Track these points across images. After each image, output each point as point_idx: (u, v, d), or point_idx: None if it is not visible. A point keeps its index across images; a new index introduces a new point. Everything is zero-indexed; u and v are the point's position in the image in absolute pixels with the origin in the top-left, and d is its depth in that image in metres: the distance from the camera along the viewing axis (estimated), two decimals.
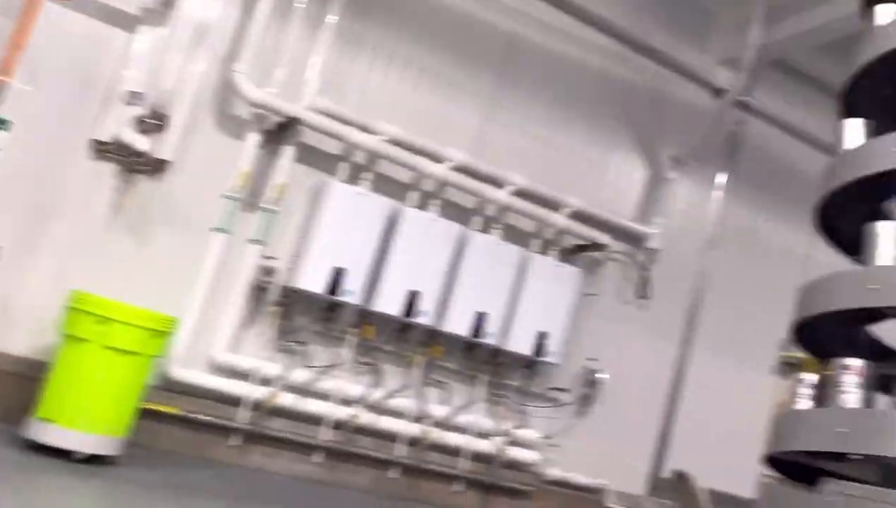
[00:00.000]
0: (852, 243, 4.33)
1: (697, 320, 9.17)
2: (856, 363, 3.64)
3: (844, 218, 4.27)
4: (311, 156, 7.27)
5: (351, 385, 7.26)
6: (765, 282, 9.58)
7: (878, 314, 3.84)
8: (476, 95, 8.08)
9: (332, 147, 7.31)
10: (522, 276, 7.78)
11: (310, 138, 7.20)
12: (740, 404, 9.35)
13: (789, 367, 9.73)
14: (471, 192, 7.68)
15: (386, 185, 7.49)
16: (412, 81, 7.79)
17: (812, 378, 4.09)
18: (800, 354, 8.76)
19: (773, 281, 9.63)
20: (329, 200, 6.98)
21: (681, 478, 7.68)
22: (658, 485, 8.79)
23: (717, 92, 9.05)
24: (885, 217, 4.29)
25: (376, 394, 7.34)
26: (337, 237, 6.98)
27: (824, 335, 4.22)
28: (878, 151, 3.73)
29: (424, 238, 7.30)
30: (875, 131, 4.02)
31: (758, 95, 9.42)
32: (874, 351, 4.19)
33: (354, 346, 7.32)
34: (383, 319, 7.30)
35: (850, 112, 4.21)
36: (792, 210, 9.77)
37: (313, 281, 6.90)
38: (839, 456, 3.86)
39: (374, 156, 7.32)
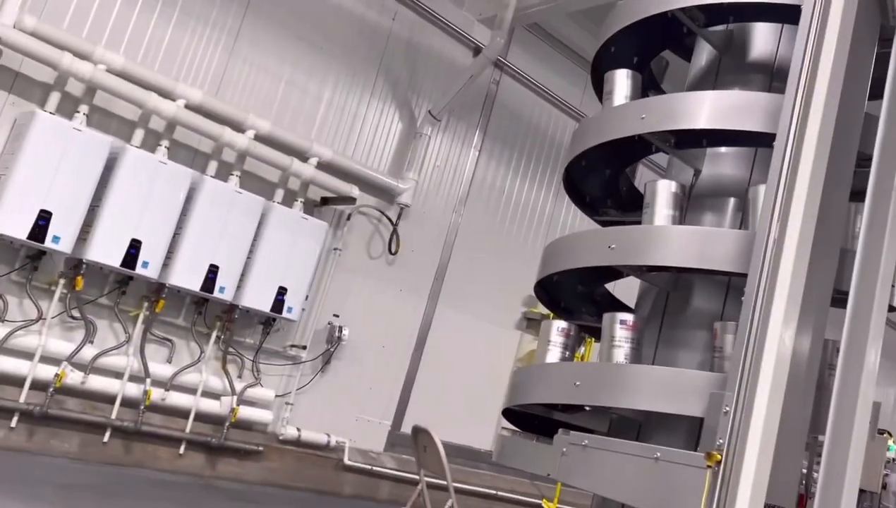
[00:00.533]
0: (596, 204, 4.43)
1: (445, 276, 9.22)
2: (628, 317, 3.65)
3: (589, 180, 4.33)
4: (16, 82, 6.35)
5: (56, 341, 6.52)
6: (512, 239, 9.85)
7: (616, 272, 3.93)
8: (220, 30, 7.43)
9: (42, 74, 6.42)
10: (262, 228, 7.34)
11: (12, 61, 6.27)
12: (486, 358, 9.61)
13: (532, 323, 10.14)
14: (207, 135, 7.08)
15: (106, 121, 6.72)
16: (146, 7, 7.01)
17: (558, 332, 4.07)
18: (543, 310, 9.12)
19: (520, 238, 9.94)
20: (31, 134, 6.10)
21: (419, 433, 7.73)
22: (398, 441, 8.82)
23: (476, 50, 9.01)
24: (627, 180, 4.39)
25: (88, 352, 6.64)
26: (44, 176, 6.14)
27: (565, 292, 4.29)
28: (620, 118, 3.77)
29: (150, 181, 6.62)
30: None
31: (514, 56, 9.51)
32: (611, 307, 4.33)
33: (63, 299, 6.57)
34: (98, 270, 6.60)
35: (600, 79, 4.22)
36: (540, 170, 10.08)
37: (13, 224, 6.05)
38: (574, 408, 3.93)
39: (93, 86, 6.51)
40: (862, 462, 3.24)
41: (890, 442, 4.88)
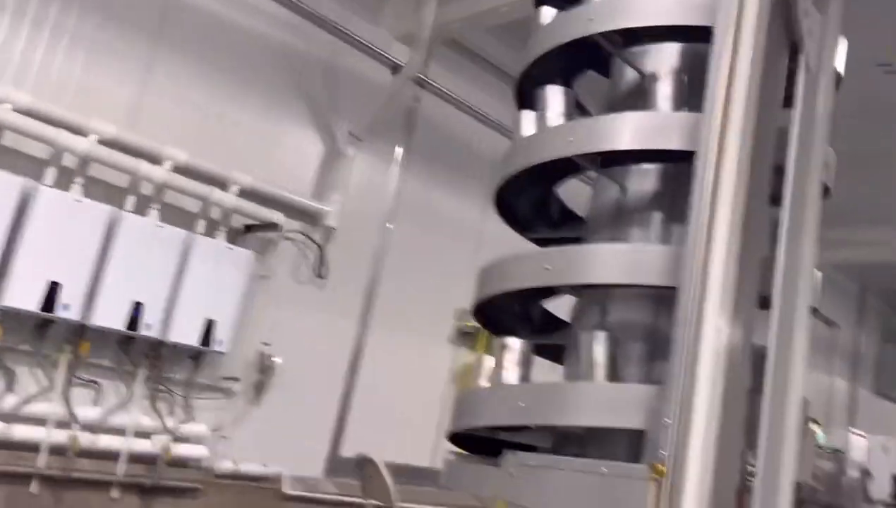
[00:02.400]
0: (527, 222, 4.49)
1: (375, 296, 9.19)
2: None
3: (520, 199, 4.39)
4: None
5: None
6: (441, 256, 9.88)
7: (551, 291, 3.99)
8: (133, 61, 7.25)
9: None
10: (186, 261, 7.18)
11: None
12: (422, 374, 9.62)
13: (466, 336, 10.20)
14: (123, 169, 6.90)
15: (15, 161, 6.47)
16: (52, 43, 6.78)
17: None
18: (476, 324, 9.19)
19: (449, 254, 9.97)
20: None
21: (364, 462, 7.68)
22: (337, 466, 8.74)
23: (395, 68, 9.02)
24: (557, 199, 4.48)
25: (9, 401, 6.37)
26: None
27: (503, 312, 4.33)
28: (548, 140, 3.84)
29: (65, 221, 6.41)
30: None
31: (434, 73, 9.56)
32: (549, 325, 4.39)
33: None
34: (15, 315, 6.34)
35: (525, 100, 4.29)
36: (466, 185, 10.15)
37: None
38: (518, 428, 3.97)
39: None
40: (795, 457, 3.38)
41: (818, 432, 5.10)
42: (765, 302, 3.52)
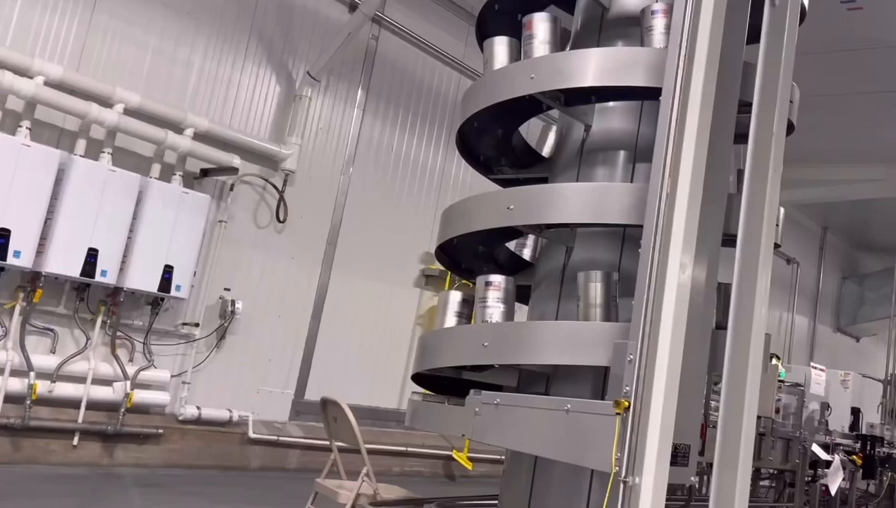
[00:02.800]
0: (490, 163, 4.44)
1: (337, 240, 9.10)
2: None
3: (482, 139, 4.33)
4: None
5: None
6: (405, 198, 9.81)
7: (515, 232, 3.96)
8: (75, 1, 6.93)
9: None
10: (141, 206, 7.01)
11: None
12: (387, 318, 9.62)
13: (431, 280, 10.19)
14: (71, 112, 6.65)
15: None
16: None
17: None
18: (440, 267, 9.18)
19: (412, 195, 9.90)
20: None
21: (328, 404, 7.71)
22: (302, 409, 8.75)
23: (352, 5, 8.80)
24: (521, 138, 4.42)
25: None
26: None
27: (467, 253, 4.31)
28: (510, 78, 3.76)
29: (14, 166, 6.20)
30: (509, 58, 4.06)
31: (392, 10, 9.35)
32: (512, 266, 4.38)
33: None
34: None
35: (485, 37, 4.19)
36: (426, 125, 10.03)
37: None
38: (483, 367, 3.99)
39: None
40: (758, 392, 3.44)
41: (780, 368, 5.21)
42: (730, 240, 3.54)
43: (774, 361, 5.42)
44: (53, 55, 6.79)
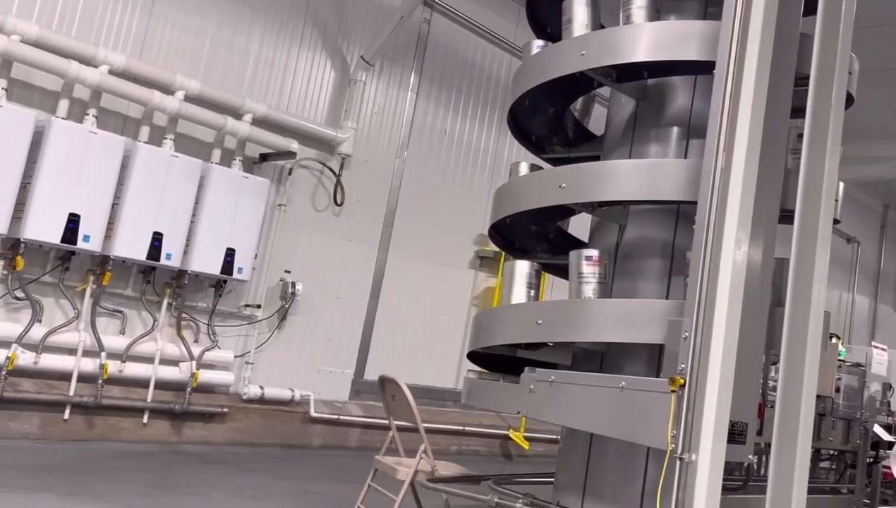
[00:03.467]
0: (542, 142, 4.44)
1: (393, 222, 9.20)
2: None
3: (534, 118, 4.34)
4: None
5: (4, 324, 6.35)
6: (458, 179, 9.85)
7: (567, 210, 3.97)
8: None
9: None
10: (203, 190, 7.19)
11: None
12: (442, 299, 9.70)
13: (485, 261, 10.22)
14: (134, 99, 6.85)
15: (27, 94, 6.45)
16: None
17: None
18: (496, 247, 9.21)
19: (465, 177, 9.94)
20: None
21: (386, 382, 7.83)
22: (362, 388, 8.90)
23: None
24: (572, 117, 4.41)
25: (37, 332, 6.49)
26: None
27: (520, 233, 4.33)
28: (561, 56, 3.76)
29: (82, 153, 6.39)
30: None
31: None
32: (565, 244, 4.39)
33: (5, 280, 6.39)
34: (37, 248, 6.42)
35: (536, 19, 4.20)
36: (479, 107, 10.04)
37: None
38: (537, 345, 4.01)
39: (8, 59, 6.21)
40: (817, 370, 3.39)
41: (840, 347, 5.10)
42: (787, 216, 3.48)
43: (834, 340, 5.30)
44: (117, 44, 6.99)
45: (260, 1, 7.96)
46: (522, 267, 4.01)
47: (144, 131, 6.96)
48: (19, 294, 6.47)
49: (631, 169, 3.53)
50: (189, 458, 6.90)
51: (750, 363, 3.22)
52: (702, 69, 3.48)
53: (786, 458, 3.25)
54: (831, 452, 5.67)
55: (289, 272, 8.22)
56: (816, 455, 5.49)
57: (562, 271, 4.67)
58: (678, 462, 3.04)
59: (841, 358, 5.10)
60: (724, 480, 3.19)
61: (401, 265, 9.26)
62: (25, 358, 6.38)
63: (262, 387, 7.93)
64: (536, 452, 9.66)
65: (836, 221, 3.45)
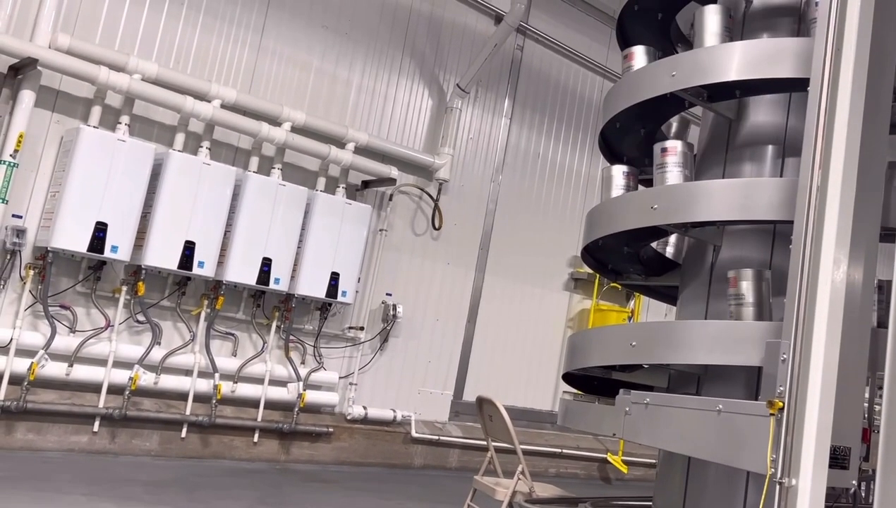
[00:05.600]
0: (633, 163, 4.46)
1: (490, 246, 9.31)
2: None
3: (625, 139, 4.37)
4: (57, 101, 6.56)
5: (127, 346, 6.78)
6: (552, 203, 9.89)
7: (660, 231, 3.97)
8: (246, 28, 7.53)
9: (82, 89, 6.61)
10: (309, 217, 7.49)
11: (52, 80, 6.46)
12: (538, 321, 9.72)
13: (580, 283, 10.18)
14: (245, 131, 7.23)
15: (147, 128, 6.92)
16: (172, 13, 7.13)
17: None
18: (588, 270, 9.15)
19: (559, 200, 9.97)
20: (81, 148, 6.30)
21: (483, 403, 7.91)
22: (461, 409, 8.99)
23: (497, 17, 8.98)
24: (664, 138, 4.41)
25: (156, 353, 6.89)
26: (96, 188, 6.34)
27: (612, 254, 4.35)
28: (651, 77, 3.79)
29: (197, 183, 6.80)
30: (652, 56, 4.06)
31: (535, 19, 9.48)
32: (658, 266, 4.38)
33: (128, 305, 6.82)
34: (156, 274, 6.83)
35: (626, 38, 4.24)
36: (571, 130, 10.07)
37: (72, 238, 6.28)
38: (633, 367, 4.02)
39: (131, 96, 6.68)
40: None
41: None
42: (888, 235, 3.38)
43: None
44: (228, 79, 7.40)
45: (361, 33, 8.26)
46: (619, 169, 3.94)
47: (254, 161, 7.32)
48: (140, 317, 6.89)
49: (724, 188, 3.50)
50: (297, 476, 7.15)
51: (852, 385, 3.13)
52: (796, 86, 3.43)
53: (891, 484, 3.13)
54: None
55: (390, 295, 8.43)
56: None
57: (656, 293, 4.66)
58: (777, 487, 2.99)
59: None
60: (829, 506, 3.10)
61: (497, 287, 9.34)
62: (146, 379, 6.79)
63: (365, 408, 8.14)
64: (635, 476, 9.50)
65: None
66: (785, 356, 3.07)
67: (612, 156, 4.36)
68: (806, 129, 3.13)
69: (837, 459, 3.12)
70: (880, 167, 3.23)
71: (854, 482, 3.18)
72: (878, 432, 3.37)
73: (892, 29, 3.29)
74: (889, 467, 3.16)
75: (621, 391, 3.76)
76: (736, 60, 3.48)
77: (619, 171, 4.13)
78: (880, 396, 3.74)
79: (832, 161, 3.07)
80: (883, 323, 3.33)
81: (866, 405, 3.72)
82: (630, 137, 4.24)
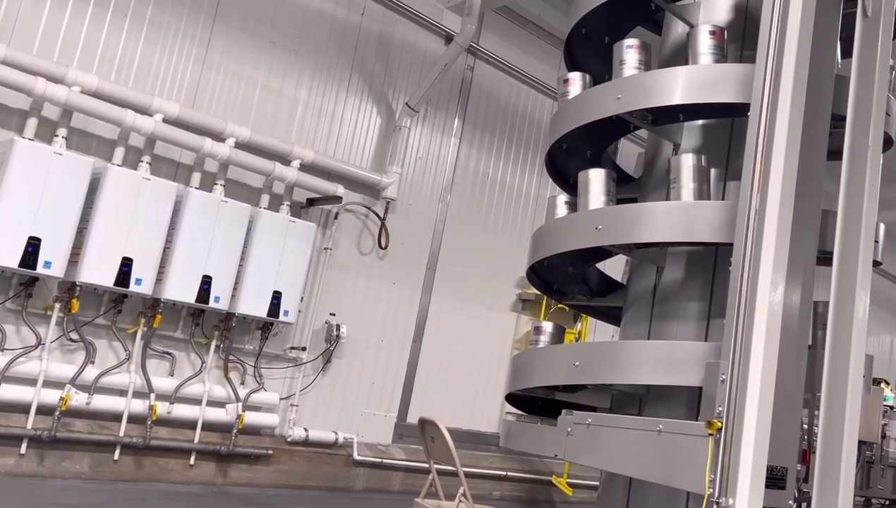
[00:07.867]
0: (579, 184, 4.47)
1: (437, 266, 9.27)
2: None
3: (571, 161, 4.39)
4: None
5: (59, 365, 6.55)
6: (500, 223, 9.93)
7: (605, 252, 3.99)
8: (191, 41, 7.41)
9: (17, 101, 6.41)
10: (252, 235, 7.36)
11: None
12: (485, 342, 9.70)
13: (527, 304, 10.22)
14: (187, 147, 7.09)
15: (86, 142, 6.74)
16: (115, 25, 6.99)
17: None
18: (537, 291, 9.18)
19: (508, 221, 10.01)
20: (14, 161, 6.09)
21: (426, 424, 7.82)
22: (405, 432, 8.90)
23: (448, 37, 9.02)
24: (610, 159, 4.45)
25: (90, 373, 6.66)
26: (29, 202, 6.13)
27: (557, 275, 4.36)
28: (596, 99, 3.82)
29: (136, 198, 6.61)
30: (594, 80, 4.10)
31: (486, 40, 9.55)
32: (604, 287, 4.39)
33: (61, 323, 6.60)
34: (92, 291, 6.63)
35: (573, 61, 4.27)
36: (521, 151, 10.15)
37: (3, 253, 6.03)
38: (575, 388, 4.01)
39: (69, 109, 6.50)
40: (858, 414, 3.32)
41: (886, 392, 4.97)
42: (825, 258, 3.45)
43: (882, 385, 5.17)
44: (171, 93, 7.26)
45: (309, 50, 8.20)
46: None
47: (196, 177, 7.17)
48: (74, 336, 6.67)
49: (667, 210, 3.54)
50: (234, 500, 6.96)
51: (789, 406, 3.17)
52: (738, 111, 3.50)
53: (828, 504, 3.18)
54: (884, 501, 5.49)
55: (333, 315, 8.32)
56: (867, 505, 5.32)
57: (602, 314, 4.68)
58: (716, 507, 3.00)
59: (887, 403, 4.97)
60: None
61: (444, 308, 9.30)
62: (78, 399, 6.55)
63: (306, 430, 7.99)
64: (580, 499, 9.51)
65: (876, 263, 3.41)
66: (724, 376, 3.09)
67: (559, 178, 4.38)
68: (746, 153, 3.19)
69: (774, 479, 3.15)
70: (818, 191, 3.30)
71: (791, 502, 3.22)
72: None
73: (830, 57, 3.38)
74: (824, 486, 3.21)
75: (563, 411, 3.75)
76: (680, 84, 3.53)
77: (561, 200, 4.19)
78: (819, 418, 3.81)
79: (770, 185, 3.13)
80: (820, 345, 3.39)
81: (806, 426, 3.77)
82: (576, 159, 4.27)
